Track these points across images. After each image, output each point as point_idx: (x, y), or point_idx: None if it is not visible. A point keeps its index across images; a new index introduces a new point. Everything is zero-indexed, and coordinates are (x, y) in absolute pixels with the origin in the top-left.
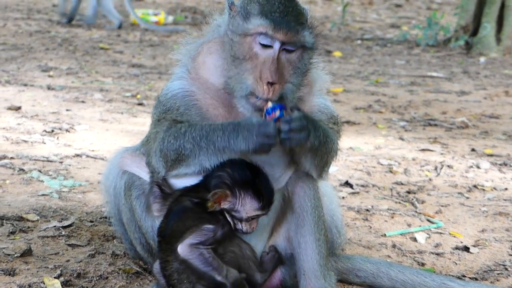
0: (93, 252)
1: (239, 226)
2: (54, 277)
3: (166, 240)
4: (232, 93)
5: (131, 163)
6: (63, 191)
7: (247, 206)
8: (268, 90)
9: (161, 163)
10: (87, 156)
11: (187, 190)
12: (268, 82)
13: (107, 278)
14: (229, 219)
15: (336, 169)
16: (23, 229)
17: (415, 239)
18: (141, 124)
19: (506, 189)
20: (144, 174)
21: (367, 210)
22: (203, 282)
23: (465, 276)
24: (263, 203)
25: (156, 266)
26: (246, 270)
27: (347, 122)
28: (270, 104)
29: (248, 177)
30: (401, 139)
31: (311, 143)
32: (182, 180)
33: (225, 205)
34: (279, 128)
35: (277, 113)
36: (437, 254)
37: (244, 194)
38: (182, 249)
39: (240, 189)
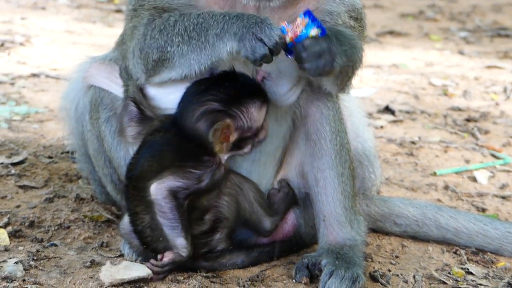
0: (51, 196)
1: (259, 138)
2: (0, 227)
3: (135, 182)
4: None
5: (98, 73)
6: (14, 120)
7: (255, 114)
8: None
9: (140, 66)
10: (47, 76)
11: (172, 122)
12: None
13: (68, 227)
14: (243, 146)
15: (374, 91)
16: None
17: (474, 179)
18: (118, 36)
19: None
20: (115, 88)
21: (413, 142)
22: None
23: None
24: (263, 93)
25: (124, 225)
26: (250, 216)
27: (390, 32)
28: (299, 19)
29: (234, 85)
30: (461, 53)
31: (339, 65)
32: (165, 93)
33: (234, 136)
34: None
35: (299, 29)
36: (503, 197)
37: (245, 107)
38: (156, 190)
39: (237, 106)
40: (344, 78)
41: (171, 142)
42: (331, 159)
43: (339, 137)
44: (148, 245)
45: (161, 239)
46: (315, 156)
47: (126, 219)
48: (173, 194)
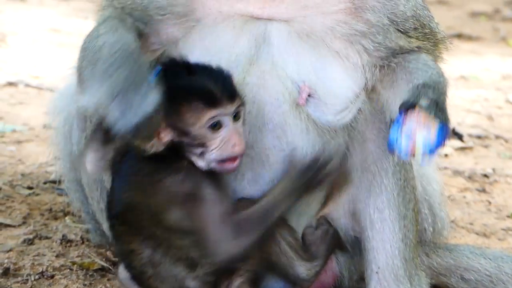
0: (31, 236)
1: (211, 155)
2: None
3: (122, 218)
4: None
5: None
6: None
7: (186, 112)
8: None
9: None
10: (27, 85)
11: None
12: None
13: (52, 277)
14: (191, 157)
15: None
16: None
17: None
18: None
19: None
20: None
21: (485, 175)
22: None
23: None
24: (211, 93)
25: (123, 271)
26: (277, 259)
27: (458, 35)
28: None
29: (176, 77)
30: None
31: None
32: None
33: (167, 135)
34: None
35: None
36: None
37: (176, 104)
38: None
39: (171, 101)
40: None
41: (137, 160)
42: (392, 196)
43: (404, 170)
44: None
45: (165, 276)
46: (373, 191)
47: (123, 268)
48: None
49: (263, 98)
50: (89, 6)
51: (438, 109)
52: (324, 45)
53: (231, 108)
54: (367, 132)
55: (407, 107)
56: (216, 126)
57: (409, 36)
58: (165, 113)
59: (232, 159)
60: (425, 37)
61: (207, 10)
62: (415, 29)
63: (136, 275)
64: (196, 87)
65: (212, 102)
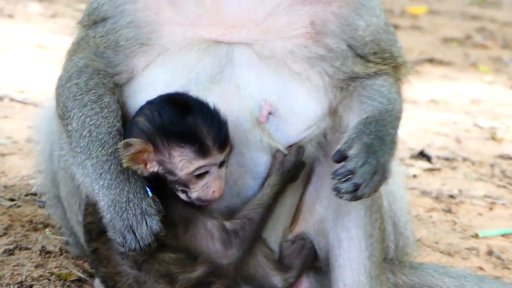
0: (11, 247)
1: (191, 194)
2: None
3: (104, 238)
4: None
5: None
6: None
7: (177, 157)
8: None
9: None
10: (12, 99)
11: None
12: None
13: (31, 286)
14: (178, 193)
15: (407, 132)
16: None
17: None
18: None
19: None
20: None
21: (452, 196)
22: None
23: None
24: (204, 144)
25: (98, 284)
26: (254, 271)
27: (430, 60)
28: None
29: (175, 117)
30: None
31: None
32: None
33: (154, 166)
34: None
35: None
36: None
37: (170, 142)
38: None
39: (165, 137)
40: None
41: None
42: (359, 216)
43: None
44: None
45: None
46: (341, 211)
47: (99, 282)
48: None
49: (225, 116)
50: (74, 23)
51: (371, 152)
52: (286, 67)
53: (220, 158)
54: (331, 152)
55: (338, 158)
56: (202, 174)
57: (368, 61)
58: (156, 149)
59: (210, 200)
60: (385, 61)
61: (173, 37)
62: (375, 53)
63: None
64: (191, 135)
65: (204, 152)
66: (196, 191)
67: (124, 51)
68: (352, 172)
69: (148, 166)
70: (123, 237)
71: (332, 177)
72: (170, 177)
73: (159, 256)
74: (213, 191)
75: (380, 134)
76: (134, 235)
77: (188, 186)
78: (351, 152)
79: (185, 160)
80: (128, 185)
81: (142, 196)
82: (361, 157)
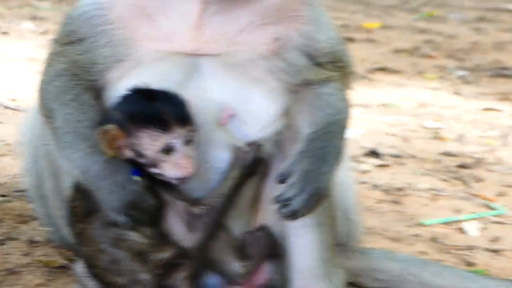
0: (2, 238)
1: (165, 173)
2: None
3: (90, 219)
4: None
5: None
6: None
7: (144, 137)
8: None
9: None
10: (6, 107)
11: None
12: None
13: (19, 272)
14: (155, 175)
15: (360, 133)
16: None
17: (464, 231)
18: None
19: None
20: None
21: (400, 189)
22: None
23: None
24: (165, 120)
25: (78, 267)
26: (216, 256)
27: (382, 69)
28: None
29: (139, 102)
30: (457, 93)
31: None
32: None
33: (126, 151)
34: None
35: None
36: (494, 251)
37: (136, 124)
38: None
39: (131, 121)
40: None
41: None
42: None
43: None
44: (113, 285)
45: (124, 271)
46: None
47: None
48: None
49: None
50: (51, 39)
51: (309, 179)
52: (247, 75)
53: (183, 133)
54: (287, 148)
55: (279, 183)
56: (168, 150)
57: (323, 68)
58: (127, 134)
59: (182, 178)
60: (337, 69)
61: (148, 51)
62: (330, 62)
63: (99, 273)
64: (153, 115)
65: (166, 128)
66: (168, 170)
67: (101, 66)
68: (290, 199)
69: (124, 152)
70: (118, 213)
71: (275, 201)
72: (142, 160)
73: (134, 235)
74: (185, 167)
75: (324, 152)
76: (131, 207)
77: (159, 165)
78: (290, 180)
79: (150, 138)
80: (116, 170)
81: (132, 178)
82: (298, 186)
